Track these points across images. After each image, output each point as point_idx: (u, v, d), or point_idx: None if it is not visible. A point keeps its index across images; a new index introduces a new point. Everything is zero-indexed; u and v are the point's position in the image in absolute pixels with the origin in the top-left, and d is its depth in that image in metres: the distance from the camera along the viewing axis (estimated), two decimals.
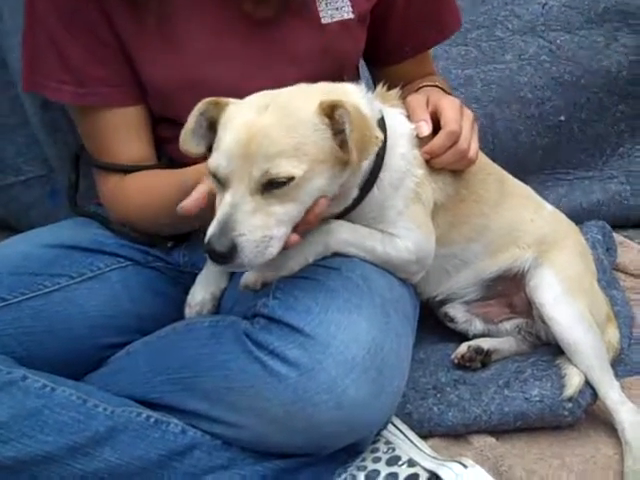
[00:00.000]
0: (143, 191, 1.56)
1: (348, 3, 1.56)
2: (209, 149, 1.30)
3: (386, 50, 1.73)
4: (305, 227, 1.28)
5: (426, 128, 1.44)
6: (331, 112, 1.22)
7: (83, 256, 1.54)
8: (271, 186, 1.18)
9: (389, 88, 1.48)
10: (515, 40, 2.34)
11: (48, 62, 1.53)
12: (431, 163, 1.45)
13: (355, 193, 1.37)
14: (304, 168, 1.19)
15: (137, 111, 1.59)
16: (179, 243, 1.66)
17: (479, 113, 2.29)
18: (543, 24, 2.33)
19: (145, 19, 1.48)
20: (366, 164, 1.34)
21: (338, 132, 1.22)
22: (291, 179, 1.18)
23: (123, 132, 1.58)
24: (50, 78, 1.54)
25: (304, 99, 1.25)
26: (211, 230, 1.17)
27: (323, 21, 1.54)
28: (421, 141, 1.45)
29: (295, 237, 1.24)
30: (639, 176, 2.39)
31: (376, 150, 1.30)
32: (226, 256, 1.16)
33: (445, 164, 1.46)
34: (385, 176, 1.38)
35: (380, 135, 1.28)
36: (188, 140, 1.30)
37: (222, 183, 1.21)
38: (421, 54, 1.78)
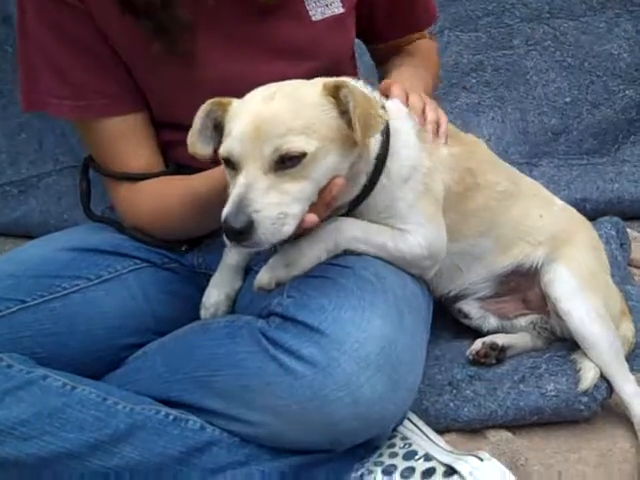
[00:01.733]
0: (155, 201, 1.59)
1: None
2: (216, 151, 1.33)
3: (373, 36, 1.78)
4: (324, 209, 1.31)
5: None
6: (336, 92, 1.26)
7: (100, 258, 1.56)
8: (283, 164, 1.22)
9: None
10: (522, 27, 2.53)
11: (45, 78, 1.54)
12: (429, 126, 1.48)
13: (364, 179, 1.39)
14: (315, 144, 1.23)
15: (140, 118, 1.61)
16: (193, 246, 1.68)
17: (490, 95, 2.56)
18: (548, 12, 2.52)
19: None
20: (373, 151, 1.38)
21: (344, 112, 1.26)
22: (303, 155, 1.22)
23: (128, 140, 1.60)
24: (49, 94, 1.55)
25: (309, 85, 1.31)
26: (227, 209, 1.19)
27: (313, 19, 1.56)
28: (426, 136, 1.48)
29: (312, 217, 1.26)
30: None
31: (381, 131, 1.34)
32: (243, 232, 1.18)
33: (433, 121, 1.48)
34: (393, 166, 1.41)
35: (384, 115, 1.32)
36: (195, 142, 1.34)
37: (235, 167, 1.24)
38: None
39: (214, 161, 1.36)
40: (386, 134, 1.41)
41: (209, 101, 1.32)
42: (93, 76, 1.53)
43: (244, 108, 1.28)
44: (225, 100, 1.32)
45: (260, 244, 1.21)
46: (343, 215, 1.43)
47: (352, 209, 1.42)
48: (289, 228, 1.22)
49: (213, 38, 1.46)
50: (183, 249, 1.66)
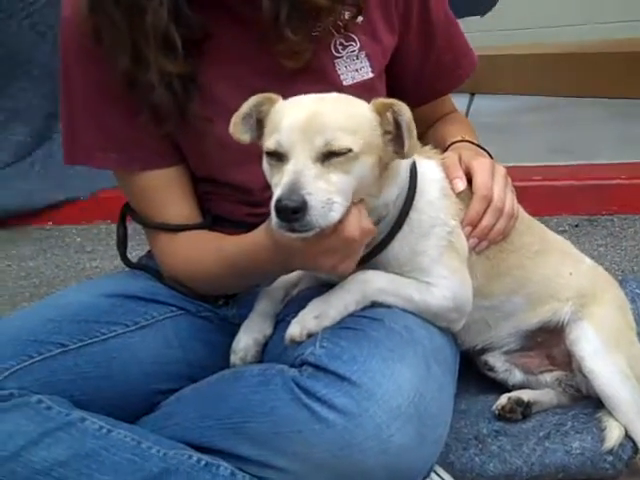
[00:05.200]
0: (191, 256, 1.62)
1: (367, 63, 1.62)
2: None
3: (402, 97, 1.80)
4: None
5: (461, 184, 1.53)
6: (383, 110, 1.34)
7: (138, 305, 1.61)
8: (329, 157, 1.27)
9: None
10: None
11: (88, 132, 1.60)
12: (475, 234, 1.52)
13: (386, 228, 1.44)
14: (360, 145, 1.29)
15: (179, 171, 1.65)
16: (229, 300, 1.71)
17: None
18: None
19: None
20: (391, 197, 1.43)
21: (385, 132, 1.34)
22: (349, 151, 1.28)
23: (167, 192, 1.64)
24: (93, 148, 1.61)
25: (358, 100, 1.38)
26: (280, 191, 1.24)
27: (345, 83, 1.61)
28: (457, 195, 1.53)
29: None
30: None
31: (408, 185, 1.43)
32: (297, 211, 1.22)
33: (487, 228, 1.52)
34: (414, 216, 1.47)
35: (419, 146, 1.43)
36: (238, 124, 1.39)
37: (281, 158, 1.29)
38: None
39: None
40: (413, 189, 1.46)
41: (260, 94, 1.38)
42: (136, 132, 1.57)
43: (294, 105, 1.35)
44: (274, 96, 1.38)
45: (310, 226, 1.25)
46: (368, 266, 1.47)
47: (376, 254, 1.46)
48: (335, 215, 1.26)
49: (241, 99, 1.46)
50: (220, 303, 1.70)
